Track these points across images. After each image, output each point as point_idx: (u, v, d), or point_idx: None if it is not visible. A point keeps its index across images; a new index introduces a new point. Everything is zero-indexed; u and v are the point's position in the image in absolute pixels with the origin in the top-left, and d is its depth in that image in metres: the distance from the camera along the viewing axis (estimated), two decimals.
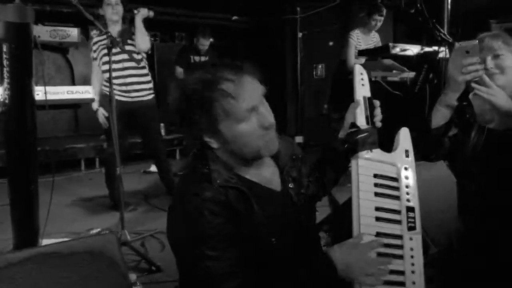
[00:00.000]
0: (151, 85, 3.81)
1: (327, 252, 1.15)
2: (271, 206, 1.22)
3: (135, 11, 3.56)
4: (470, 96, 1.66)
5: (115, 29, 3.58)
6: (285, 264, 1.17)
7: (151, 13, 3.59)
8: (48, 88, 2.19)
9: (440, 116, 1.59)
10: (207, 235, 1.09)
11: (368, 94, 1.31)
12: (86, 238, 1.20)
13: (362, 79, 1.32)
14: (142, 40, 3.57)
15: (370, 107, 1.29)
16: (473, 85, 1.50)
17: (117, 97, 3.54)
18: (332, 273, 1.11)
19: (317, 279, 1.11)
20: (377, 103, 1.31)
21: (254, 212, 1.17)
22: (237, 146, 1.17)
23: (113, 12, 3.52)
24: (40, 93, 2.20)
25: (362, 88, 1.31)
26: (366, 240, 1.16)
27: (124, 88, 3.64)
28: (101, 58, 3.62)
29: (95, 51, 3.67)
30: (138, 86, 3.69)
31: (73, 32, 2.00)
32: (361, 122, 1.27)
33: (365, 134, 1.24)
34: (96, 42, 3.65)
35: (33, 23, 2.00)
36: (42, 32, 1.83)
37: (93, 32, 3.24)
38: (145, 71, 3.76)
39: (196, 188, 1.14)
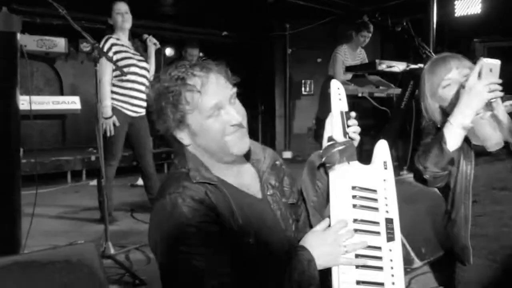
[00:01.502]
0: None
1: (300, 244, 1.17)
2: (249, 210, 1.22)
3: (146, 36, 3.82)
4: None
5: (123, 38, 3.67)
6: (262, 265, 1.17)
7: (158, 45, 3.85)
8: (34, 98, 2.16)
9: (457, 138, 1.54)
10: (187, 233, 1.09)
11: (346, 109, 1.31)
12: (64, 247, 1.18)
13: (339, 93, 1.33)
14: (153, 70, 3.85)
15: (347, 121, 1.30)
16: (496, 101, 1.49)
17: (123, 110, 3.60)
18: (310, 264, 1.13)
19: (297, 272, 1.12)
20: (353, 114, 1.32)
21: (232, 212, 1.17)
22: (205, 140, 1.20)
23: (123, 20, 3.62)
24: (25, 102, 2.18)
25: (339, 103, 1.32)
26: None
27: (135, 102, 3.68)
28: (125, 66, 3.57)
29: (114, 54, 3.61)
30: (144, 103, 3.74)
31: (60, 42, 2.01)
32: (338, 135, 1.28)
33: (342, 147, 1.24)
34: (114, 45, 3.61)
35: (20, 32, 1.99)
36: (29, 42, 1.83)
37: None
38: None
39: (176, 186, 1.15)
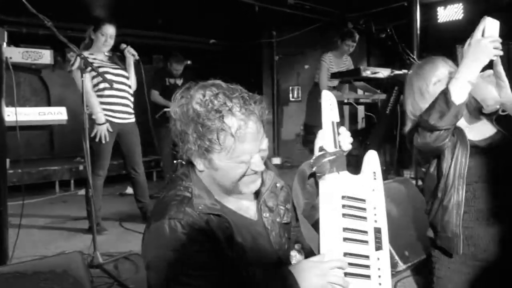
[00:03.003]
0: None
1: (291, 269, 1.15)
2: (246, 235, 1.23)
3: (124, 46, 3.69)
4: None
5: (97, 55, 3.63)
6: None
7: (136, 56, 3.75)
8: (20, 110, 2.17)
9: (463, 92, 1.51)
10: (183, 261, 1.09)
11: (337, 119, 1.33)
12: (50, 257, 1.19)
13: (330, 104, 1.34)
14: (134, 80, 3.82)
15: (339, 131, 1.31)
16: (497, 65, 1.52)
17: (109, 118, 3.56)
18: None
19: None
20: (342, 128, 1.33)
21: (234, 242, 1.18)
22: (221, 178, 1.19)
23: (105, 44, 3.60)
24: (11, 114, 2.19)
25: (330, 113, 1.33)
26: (330, 259, 1.15)
27: (117, 108, 3.66)
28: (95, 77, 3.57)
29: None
30: (129, 109, 3.74)
31: (46, 54, 2.02)
32: (329, 145, 1.29)
33: (333, 157, 1.26)
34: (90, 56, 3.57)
35: (6, 44, 2.00)
36: (14, 54, 1.84)
37: (70, 54, 3.26)
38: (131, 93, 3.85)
39: (177, 212, 1.14)
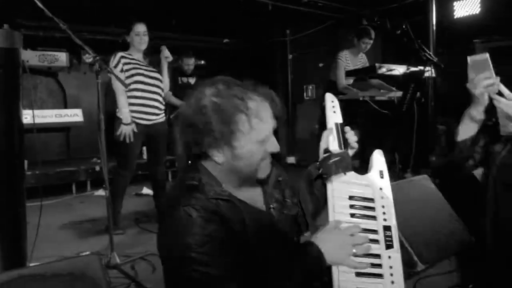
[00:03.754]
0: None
1: (311, 240, 1.19)
2: (258, 223, 1.26)
3: (161, 48, 3.87)
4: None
5: (135, 54, 3.76)
6: (273, 273, 1.20)
7: (170, 58, 3.90)
8: (37, 112, 2.20)
9: (466, 130, 1.61)
10: (200, 241, 1.11)
11: (340, 120, 1.36)
12: (68, 259, 1.20)
13: (333, 106, 1.38)
14: (167, 82, 3.95)
15: (343, 133, 1.34)
16: (493, 96, 1.50)
17: (137, 120, 3.65)
18: (320, 258, 1.15)
19: (307, 266, 1.15)
20: (347, 128, 1.36)
21: (245, 224, 1.20)
22: (242, 164, 1.21)
23: (140, 42, 3.73)
24: (28, 116, 2.22)
25: (333, 115, 1.36)
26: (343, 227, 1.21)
27: (147, 110, 3.74)
28: (131, 76, 3.68)
29: (124, 65, 3.69)
30: (157, 110, 3.80)
31: (62, 57, 2.03)
32: (334, 147, 1.32)
33: (338, 158, 1.28)
34: (123, 57, 3.70)
35: (22, 48, 2.03)
36: (31, 57, 1.86)
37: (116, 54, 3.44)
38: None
39: (188, 198, 1.17)
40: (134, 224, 4.10)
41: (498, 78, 1.51)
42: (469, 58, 1.54)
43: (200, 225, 1.12)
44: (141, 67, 3.74)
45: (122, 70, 3.64)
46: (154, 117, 3.77)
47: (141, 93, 3.69)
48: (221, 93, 1.18)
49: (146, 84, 3.71)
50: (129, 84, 3.61)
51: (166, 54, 3.87)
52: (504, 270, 1.65)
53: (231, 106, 1.15)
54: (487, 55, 1.50)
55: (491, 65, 1.49)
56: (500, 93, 1.50)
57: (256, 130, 1.17)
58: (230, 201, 1.21)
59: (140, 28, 3.73)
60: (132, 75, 3.66)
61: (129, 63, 3.69)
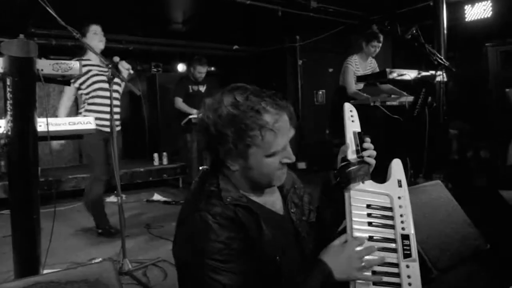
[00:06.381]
0: None
1: (319, 258, 1.18)
2: (276, 227, 1.27)
3: (117, 60, 3.36)
4: None
5: (93, 58, 3.65)
6: (285, 280, 1.21)
7: (131, 70, 3.64)
8: (51, 120, 2.22)
9: None
10: (216, 248, 1.12)
11: (358, 129, 1.36)
12: (82, 266, 1.21)
13: (351, 115, 1.37)
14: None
15: (361, 141, 1.33)
16: None
17: (98, 127, 3.49)
18: (329, 276, 1.14)
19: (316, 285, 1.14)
20: (367, 139, 1.35)
21: (262, 230, 1.21)
22: (257, 174, 1.22)
23: (100, 41, 3.65)
24: (42, 124, 2.24)
25: (352, 124, 1.36)
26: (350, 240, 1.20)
27: (107, 117, 3.70)
28: (90, 85, 3.64)
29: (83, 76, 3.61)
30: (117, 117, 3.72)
31: (75, 65, 2.06)
32: (352, 156, 1.32)
33: (356, 167, 1.28)
34: (86, 65, 3.59)
35: (37, 57, 2.05)
36: (45, 66, 1.88)
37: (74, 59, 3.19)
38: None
39: (206, 204, 1.18)
40: (145, 230, 4.11)
41: None
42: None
43: (216, 231, 1.13)
44: (103, 73, 3.58)
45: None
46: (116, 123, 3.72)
47: (100, 100, 3.64)
48: (238, 104, 1.17)
49: (106, 91, 3.39)
50: (94, 91, 3.60)
51: (126, 66, 3.58)
52: None
53: (247, 119, 1.15)
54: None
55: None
56: None
57: (270, 144, 1.17)
58: (247, 207, 1.22)
59: (96, 28, 3.65)
60: (96, 82, 3.62)
61: (91, 71, 3.62)
